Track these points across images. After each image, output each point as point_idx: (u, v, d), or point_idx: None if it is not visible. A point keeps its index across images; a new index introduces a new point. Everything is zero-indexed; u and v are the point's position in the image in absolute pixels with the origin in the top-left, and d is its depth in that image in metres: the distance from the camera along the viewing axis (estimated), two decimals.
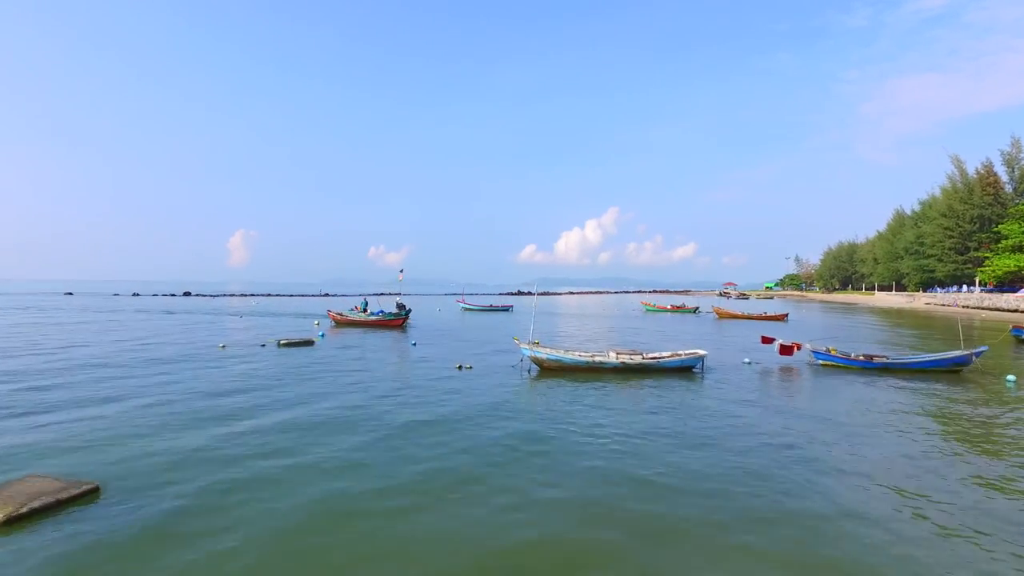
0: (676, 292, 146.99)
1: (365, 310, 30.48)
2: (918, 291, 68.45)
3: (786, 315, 39.77)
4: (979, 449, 8.18)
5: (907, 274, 73.74)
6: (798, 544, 5.15)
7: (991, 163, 61.32)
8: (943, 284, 65.80)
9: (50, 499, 5.66)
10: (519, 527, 5.46)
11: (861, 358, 15.77)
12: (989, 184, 60.15)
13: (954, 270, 62.63)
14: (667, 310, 50.06)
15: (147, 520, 5.52)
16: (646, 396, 11.69)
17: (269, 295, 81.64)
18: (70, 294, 76.32)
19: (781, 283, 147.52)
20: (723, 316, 41.18)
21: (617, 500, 6.11)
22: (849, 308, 59.61)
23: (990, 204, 59.18)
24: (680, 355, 15.01)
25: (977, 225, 59.98)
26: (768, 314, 40.15)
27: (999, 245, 53.72)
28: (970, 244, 60.96)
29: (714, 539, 5.24)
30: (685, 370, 14.74)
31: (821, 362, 16.21)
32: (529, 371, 14.52)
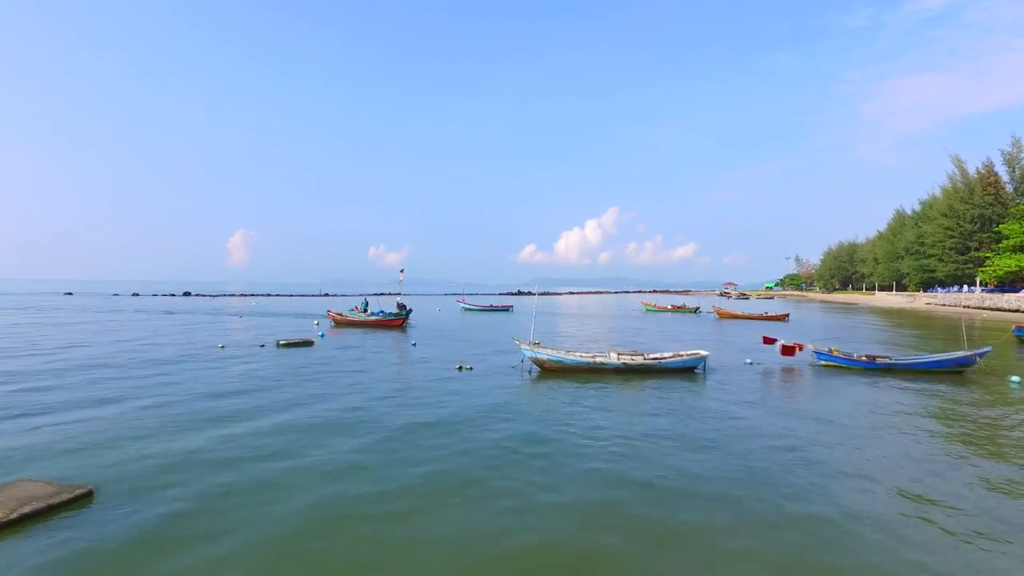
0: (676, 292, 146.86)
1: (365, 310, 30.43)
2: (919, 291, 68.35)
3: (787, 315, 39.72)
4: (984, 451, 8.10)
5: (908, 274, 73.66)
6: (801, 548, 5.08)
7: (992, 163, 61.45)
8: (944, 284, 65.73)
9: (42, 504, 5.58)
10: (519, 531, 5.40)
11: (863, 359, 15.69)
12: (990, 184, 60.20)
13: (955, 270, 62.59)
14: (667, 310, 50.01)
15: (142, 524, 5.45)
16: (647, 397, 11.62)
17: (269, 295, 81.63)
18: (70, 294, 76.30)
19: (781, 283, 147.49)
20: (724, 316, 41.14)
21: (618, 503, 6.05)
22: (849, 308, 59.54)
23: (991, 204, 59.20)
24: (681, 356, 14.94)
25: (978, 225, 59.97)
26: (769, 314, 40.10)
27: (1000, 245, 53.70)
28: (971, 244, 60.94)
29: (716, 543, 5.17)
30: (687, 371, 14.67)
31: (823, 363, 16.13)
32: (530, 372, 14.45)
